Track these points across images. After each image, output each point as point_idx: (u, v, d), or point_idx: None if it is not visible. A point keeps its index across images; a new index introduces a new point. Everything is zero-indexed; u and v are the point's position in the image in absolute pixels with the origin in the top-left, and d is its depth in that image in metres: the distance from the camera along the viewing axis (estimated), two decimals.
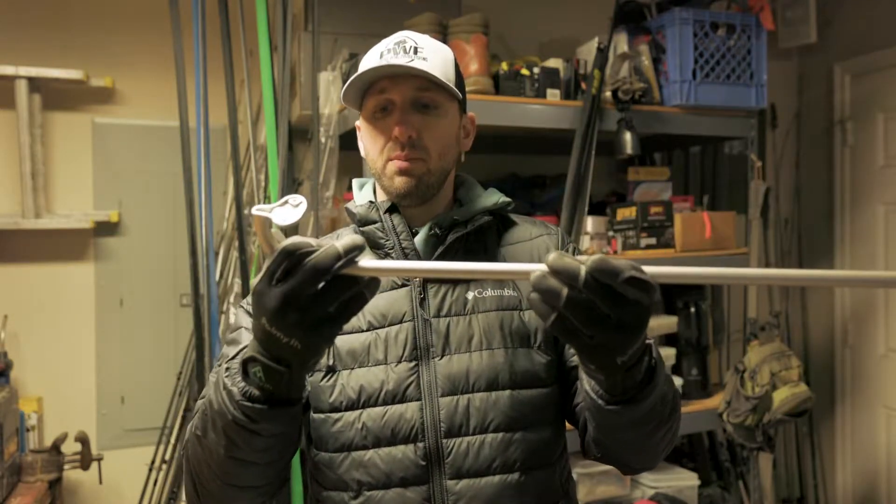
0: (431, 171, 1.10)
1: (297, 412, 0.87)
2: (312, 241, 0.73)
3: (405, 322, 1.07)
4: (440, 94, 1.10)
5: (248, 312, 1.10)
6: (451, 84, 1.10)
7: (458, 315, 1.08)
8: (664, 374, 0.90)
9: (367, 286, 0.74)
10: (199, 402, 1.01)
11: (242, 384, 0.82)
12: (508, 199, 1.18)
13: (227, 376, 0.85)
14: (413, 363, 1.06)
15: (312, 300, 0.73)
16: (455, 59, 1.15)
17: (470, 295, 1.10)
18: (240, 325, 1.10)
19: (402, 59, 1.06)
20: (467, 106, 1.21)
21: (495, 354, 1.07)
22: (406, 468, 1.03)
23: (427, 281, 1.10)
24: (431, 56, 1.09)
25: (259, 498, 0.98)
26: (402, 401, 1.04)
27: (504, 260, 1.16)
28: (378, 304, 1.09)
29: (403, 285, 1.10)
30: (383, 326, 1.08)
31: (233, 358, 0.87)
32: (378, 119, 1.10)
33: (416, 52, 1.08)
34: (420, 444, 1.03)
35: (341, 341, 1.07)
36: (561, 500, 1.12)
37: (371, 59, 1.10)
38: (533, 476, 1.07)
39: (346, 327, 1.06)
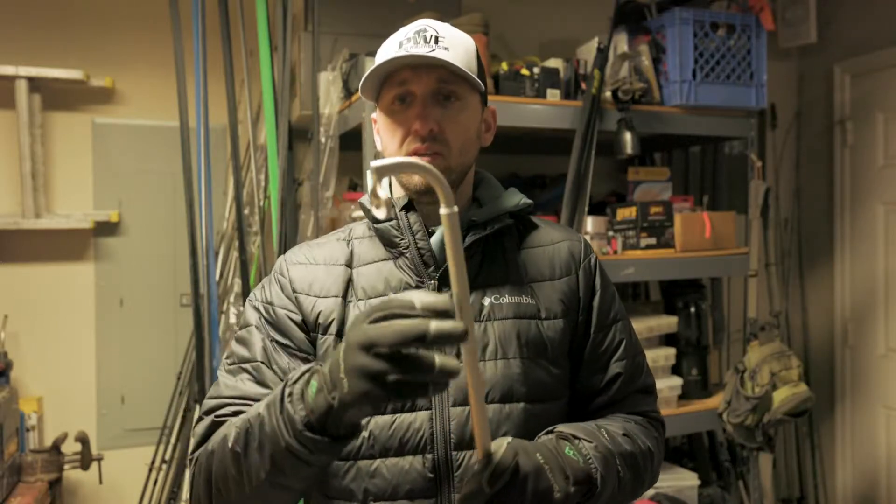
0: (452, 167, 1.05)
1: (347, 445, 0.84)
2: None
3: None
4: (462, 86, 1.05)
5: (255, 308, 1.08)
6: (474, 75, 1.05)
7: (474, 321, 1.04)
8: (615, 470, 0.99)
9: (435, 381, 0.73)
10: (216, 408, 1.00)
11: (303, 413, 0.79)
12: (530, 201, 1.14)
13: (289, 401, 0.82)
14: None
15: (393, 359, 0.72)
16: (477, 49, 1.10)
17: (486, 301, 1.05)
18: (249, 322, 1.08)
19: (422, 49, 1.01)
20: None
21: (511, 364, 1.03)
22: (413, 480, 0.99)
23: (442, 284, 1.04)
24: (453, 46, 1.03)
25: None
26: (411, 409, 1.00)
27: (523, 264, 1.11)
28: None
29: (417, 286, 1.05)
30: None
31: (297, 380, 0.83)
32: (396, 111, 1.05)
33: (437, 41, 1.02)
34: (429, 456, 1.00)
35: None
36: None
37: (390, 49, 1.04)
38: None
39: None
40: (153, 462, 2.55)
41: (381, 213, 0.76)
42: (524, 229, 1.16)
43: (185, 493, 2.46)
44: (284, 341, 1.05)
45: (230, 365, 1.06)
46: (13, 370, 2.44)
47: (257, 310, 1.08)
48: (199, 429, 1.01)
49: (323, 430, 0.79)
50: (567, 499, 0.90)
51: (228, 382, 1.04)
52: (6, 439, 2.18)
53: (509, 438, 0.89)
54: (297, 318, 1.06)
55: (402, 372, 0.71)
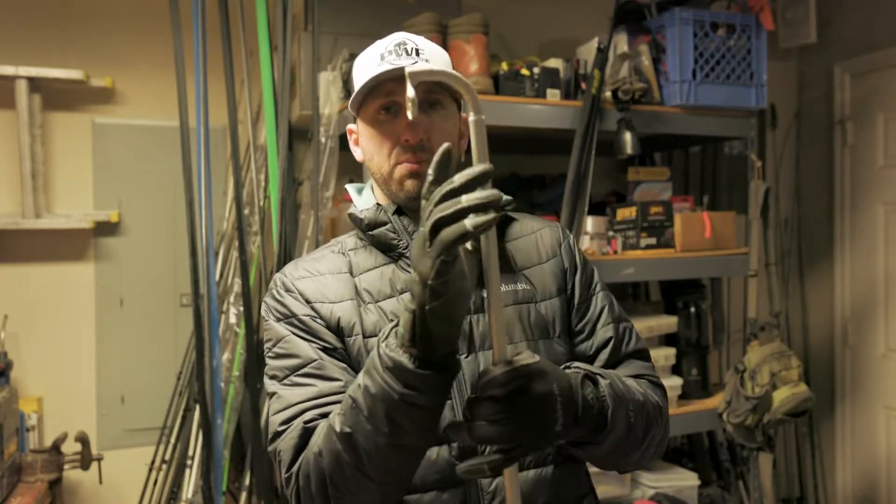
0: None
1: (451, 384, 0.85)
2: None
3: None
4: (445, 96, 1.09)
5: (280, 322, 1.07)
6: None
7: (479, 313, 1.07)
8: (625, 410, 0.97)
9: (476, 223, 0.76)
10: (294, 417, 0.98)
11: (407, 355, 0.81)
12: (510, 198, 1.18)
13: (388, 350, 0.83)
14: None
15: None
16: (451, 60, 1.15)
17: (485, 293, 1.08)
18: (282, 335, 1.06)
19: (405, 61, 1.05)
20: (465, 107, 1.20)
21: (518, 348, 1.06)
22: (441, 469, 1.01)
23: None
24: (432, 57, 1.08)
25: (401, 495, 0.97)
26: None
27: (511, 254, 1.15)
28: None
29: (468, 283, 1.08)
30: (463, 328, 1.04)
31: (388, 335, 0.85)
32: (383, 121, 1.08)
33: (417, 53, 1.07)
34: (454, 444, 1.01)
35: (371, 344, 1.04)
36: (589, 493, 1.13)
37: (371, 62, 1.08)
38: (566, 469, 1.07)
39: (374, 328, 1.05)
40: (153, 462, 2.55)
41: (410, 114, 0.80)
42: (504, 223, 1.20)
43: (184, 493, 2.46)
44: (322, 344, 1.04)
45: (284, 380, 1.03)
46: (13, 370, 2.44)
47: (283, 324, 1.07)
48: (288, 443, 0.97)
49: (430, 366, 0.81)
50: (566, 434, 0.89)
51: (296, 391, 1.01)
52: (6, 439, 2.18)
53: (537, 358, 0.86)
54: (322, 322, 1.06)
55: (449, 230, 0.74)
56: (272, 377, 1.05)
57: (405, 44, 1.07)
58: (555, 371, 0.88)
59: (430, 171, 0.79)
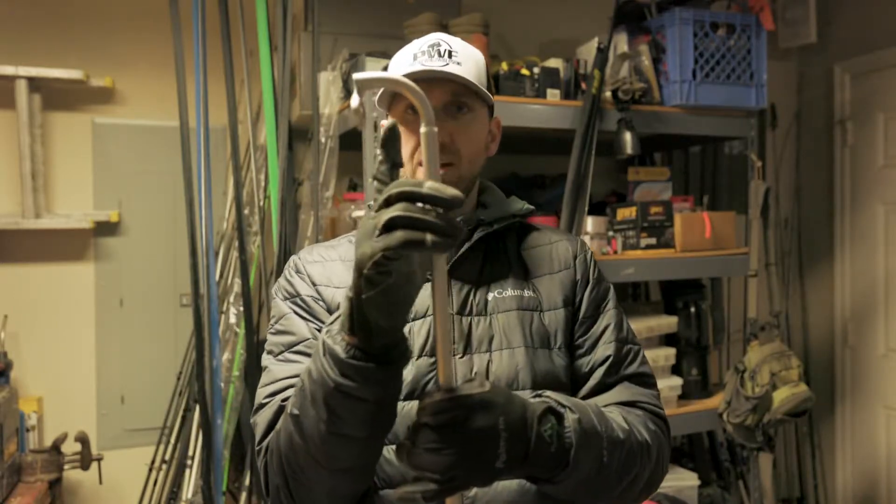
0: (462, 176, 1.09)
1: (398, 374, 0.84)
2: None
3: (428, 317, 1.06)
4: (473, 99, 1.09)
5: (285, 301, 1.10)
6: (484, 88, 1.10)
7: (480, 315, 1.08)
8: (596, 449, 0.92)
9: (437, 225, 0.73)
10: (276, 393, 1.00)
11: (343, 343, 0.80)
12: (532, 207, 1.19)
13: (328, 336, 0.82)
14: (433, 359, 1.04)
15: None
16: (486, 63, 1.14)
17: (490, 296, 1.10)
18: (283, 312, 1.09)
19: (437, 63, 1.06)
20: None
21: (515, 354, 1.06)
22: None
23: (451, 277, 1.09)
24: (465, 60, 1.08)
25: (358, 486, 0.96)
26: (420, 397, 0.98)
27: (524, 261, 1.16)
28: None
29: (427, 280, 1.06)
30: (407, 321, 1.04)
31: (333, 321, 0.85)
32: (410, 121, 1.08)
33: (450, 55, 1.07)
34: None
35: None
36: None
37: (404, 61, 1.09)
38: None
39: None
40: (153, 462, 2.55)
41: (354, 122, 0.80)
42: (525, 232, 1.21)
43: (184, 493, 2.46)
44: (319, 325, 1.07)
45: (278, 355, 1.06)
46: (13, 370, 2.44)
47: (287, 302, 1.10)
48: (264, 416, 0.99)
49: (367, 357, 0.80)
50: (510, 471, 0.85)
51: (284, 367, 1.03)
52: (6, 439, 2.18)
53: (487, 386, 0.81)
54: (324, 305, 1.09)
55: (405, 217, 0.71)
56: (268, 352, 1.08)
57: (439, 45, 1.08)
58: (508, 403, 0.83)
59: (378, 150, 0.77)
